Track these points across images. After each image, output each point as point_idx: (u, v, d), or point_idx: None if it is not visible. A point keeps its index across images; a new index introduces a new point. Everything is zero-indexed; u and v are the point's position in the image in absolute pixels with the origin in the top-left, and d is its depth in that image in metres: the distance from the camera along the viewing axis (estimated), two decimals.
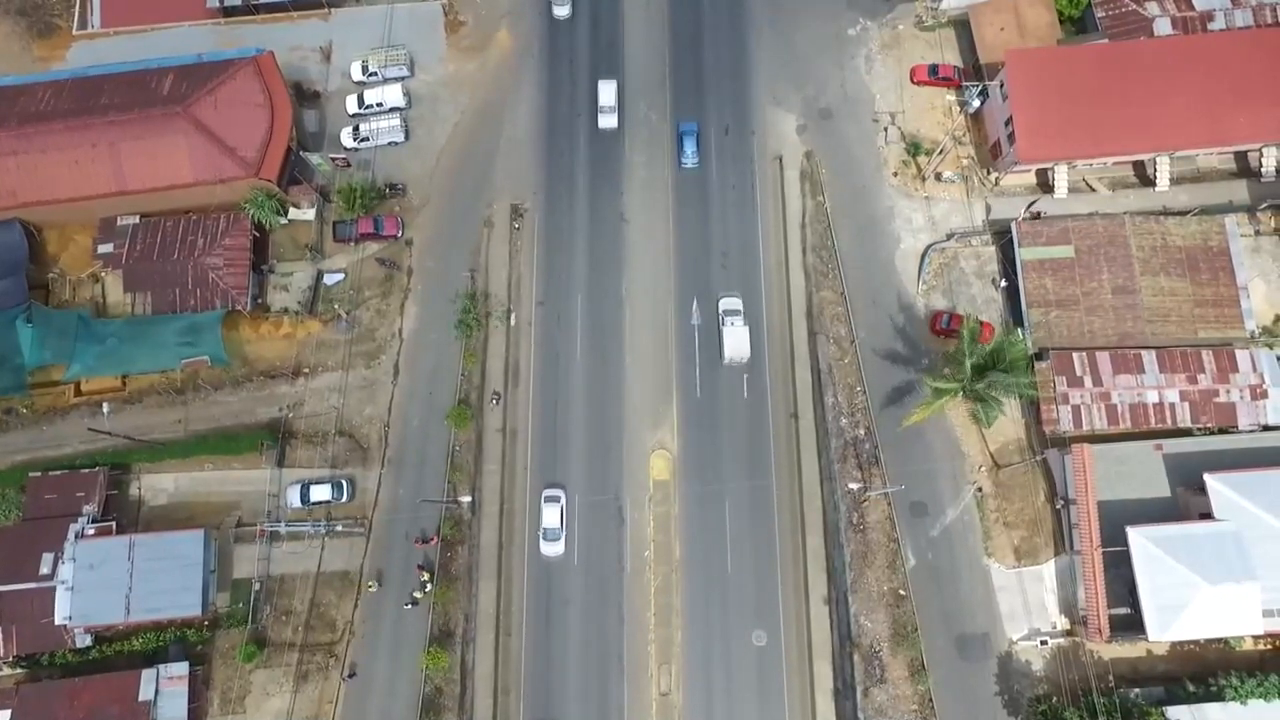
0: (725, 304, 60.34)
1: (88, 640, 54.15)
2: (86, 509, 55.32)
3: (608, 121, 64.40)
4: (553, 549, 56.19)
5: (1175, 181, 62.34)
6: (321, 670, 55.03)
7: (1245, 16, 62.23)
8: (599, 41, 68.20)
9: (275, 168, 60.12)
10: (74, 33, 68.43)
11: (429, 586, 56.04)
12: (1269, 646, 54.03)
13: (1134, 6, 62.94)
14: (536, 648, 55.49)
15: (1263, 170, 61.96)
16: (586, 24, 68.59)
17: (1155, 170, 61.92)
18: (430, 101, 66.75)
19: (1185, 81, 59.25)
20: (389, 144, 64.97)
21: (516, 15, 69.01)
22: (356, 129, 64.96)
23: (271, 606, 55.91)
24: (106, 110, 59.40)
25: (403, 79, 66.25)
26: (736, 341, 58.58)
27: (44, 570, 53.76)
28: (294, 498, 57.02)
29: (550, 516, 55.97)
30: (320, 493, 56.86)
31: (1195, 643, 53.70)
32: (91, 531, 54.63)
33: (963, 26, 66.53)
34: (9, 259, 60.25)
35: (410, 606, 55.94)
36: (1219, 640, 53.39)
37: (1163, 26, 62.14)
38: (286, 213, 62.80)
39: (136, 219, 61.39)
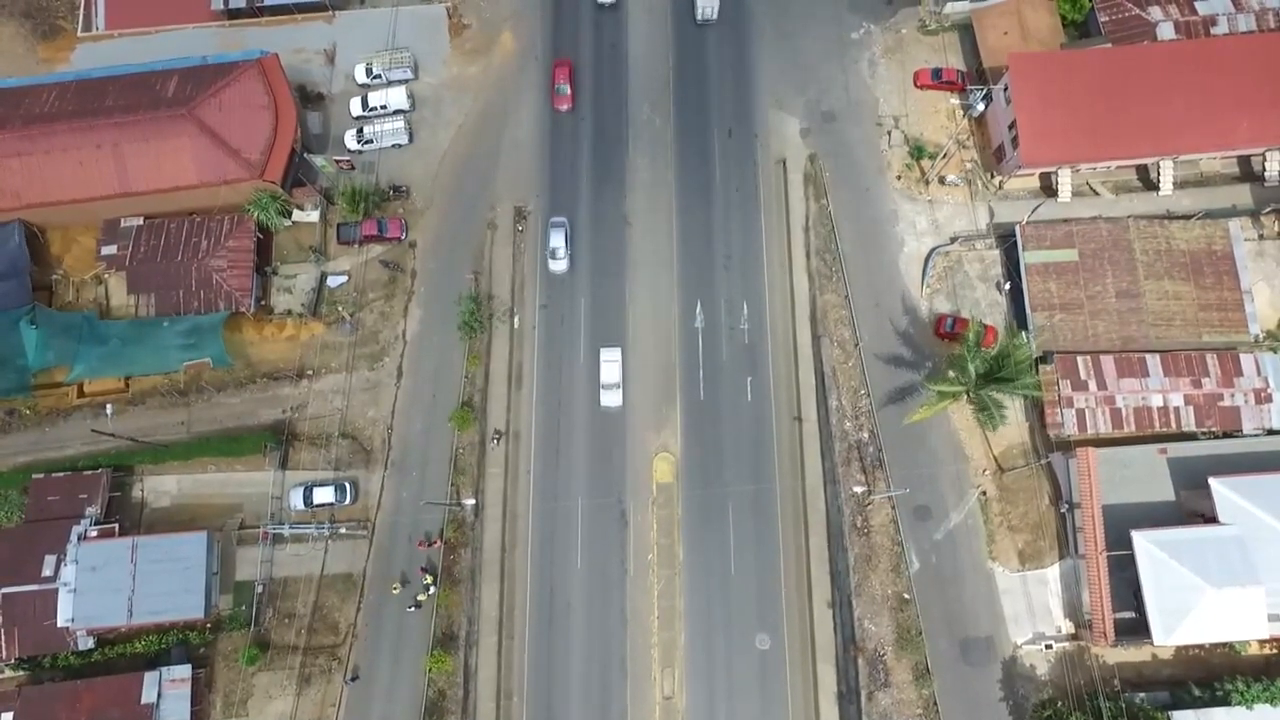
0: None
1: (90, 642, 54.05)
2: (89, 511, 55.26)
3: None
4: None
5: (1179, 185, 62.39)
6: (324, 673, 54.91)
7: (1248, 21, 62.34)
8: (602, 43, 68.29)
9: (279, 170, 60.15)
10: (78, 35, 68.57)
11: (432, 589, 55.94)
12: (1275, 651, 53.92)
13: (1137, 11, 63.06)
14: (539, 651, 55.37)
15: (1266, 174, 61.99)
16: (590, 27, 68.69)
17: (1159, 174, 61.97)
18: (434, 104, 66.83)
19: (1188, 86, 59.29)
20: (393, 146, 65.03)
21: (520, 18, 69.11)
22: (360, 131, 65.04)
23: (274, 609, 55.80)
24: (111, 112, 59.47)
25: (406, 81, 66.34)
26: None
27: (46, 572, 53.68)
28: (297, 500, 56.93)
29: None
30: (323, 495, 56.78)
31: (1201, 647, 53.57)
32: (94, 533, 54.56)
33: (966, 30, 66.65)
34: (12, 260, 60.26)
35: (413, 609, 55.82)
36: (1224, 645, 53.29)
37: (1165, 31, 62.23)
38: (290, 215, 62.83)
39: (140, 220, 61.42)
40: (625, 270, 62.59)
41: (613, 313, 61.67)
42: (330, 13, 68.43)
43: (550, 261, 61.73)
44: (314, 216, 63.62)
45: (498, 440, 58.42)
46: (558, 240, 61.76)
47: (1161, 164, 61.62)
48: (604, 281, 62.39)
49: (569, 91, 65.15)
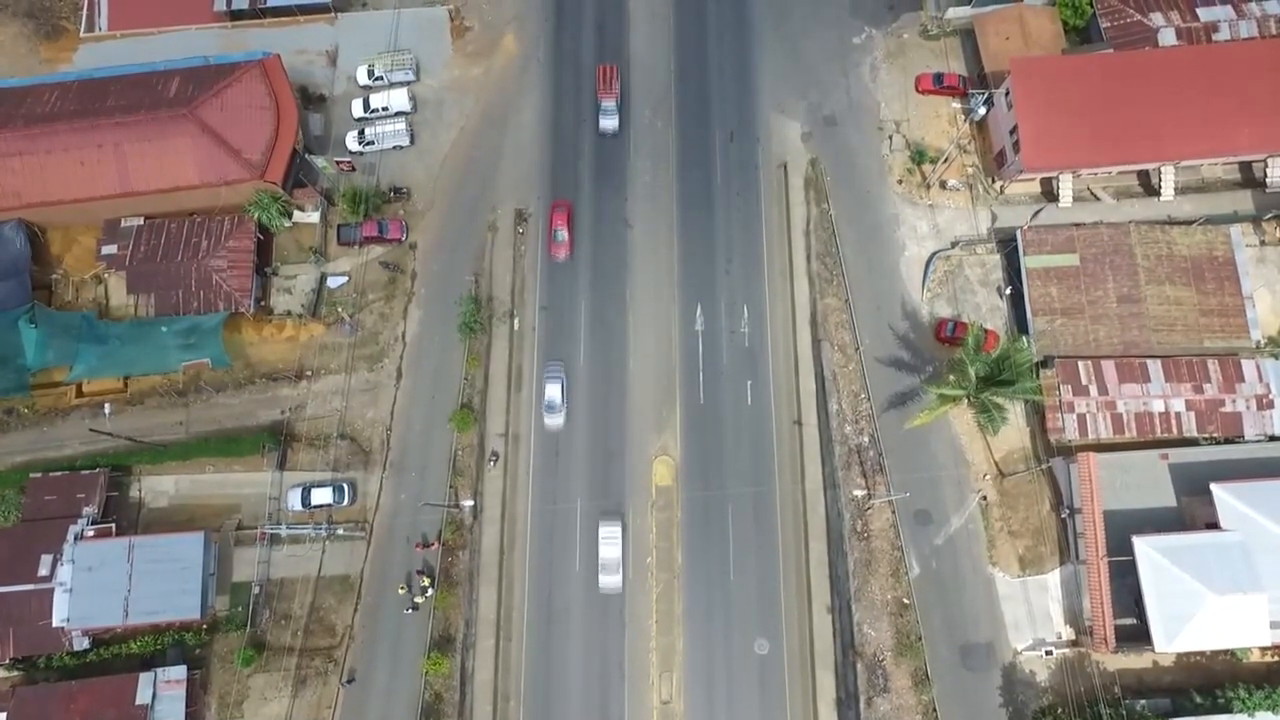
0: None
1: (85, 643, 53.80)
2: (86, 510, 55.05)
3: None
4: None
5: (1180, 191, 62.34)
6: (320, 675, 54.61)
7: (1250, 27, 62.36)
8: (604, 48, 68.34)
9: (280, 171, 60.14)
10: (81, 35, 68.65)
11: (430, 591, 55.70)
12: (1277, 658, 53.60)
13: (1138, 17, 63.11)
14: (537, 654, 55.08)
15: (1268, 181, 61.90)
16: (592, 31, 68.77)
17: (1160, 180, 61.93)
18: (435, 106, 66.88)
19: (1190, 92, 59.28)
20: (394, 148, 65.04)
21: (522, 21, 69.24)
22: (361, 133, 65.06)
23: (271, 610, 55.56)
24: (112, 112, 59.49)
25: (408, 83, 66.39)
26: None
27: (43, 572, 53.45)
28: (295, 501, 56.72)
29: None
30: (321, 496, 56.58)
31: (1202, 654, 53.28)
32: (91, 533, 54.36)
33: (967, 36, 66.71)
34: (12, 260, 60.21)
35: (410, 611, 55.56)
36: (1226, 652, 52.99)
37: (1167, 37, 62.26)
38: (291, 215, 62.80)
39: (140, 220, 61.37)
40: (626, 273, 62.51)
41: (613, 315, 61.57)
42: (332, 14, 68.56)
43: (546, 415, 57.56)
44: (314, 217, 63.60)
45: (494, 462, 57.91)
46: (553, 392, 57.14)
47: (1163, 169, 61.58)
48: (604, 284, 62.29)
49: (567, 238, 61.01)
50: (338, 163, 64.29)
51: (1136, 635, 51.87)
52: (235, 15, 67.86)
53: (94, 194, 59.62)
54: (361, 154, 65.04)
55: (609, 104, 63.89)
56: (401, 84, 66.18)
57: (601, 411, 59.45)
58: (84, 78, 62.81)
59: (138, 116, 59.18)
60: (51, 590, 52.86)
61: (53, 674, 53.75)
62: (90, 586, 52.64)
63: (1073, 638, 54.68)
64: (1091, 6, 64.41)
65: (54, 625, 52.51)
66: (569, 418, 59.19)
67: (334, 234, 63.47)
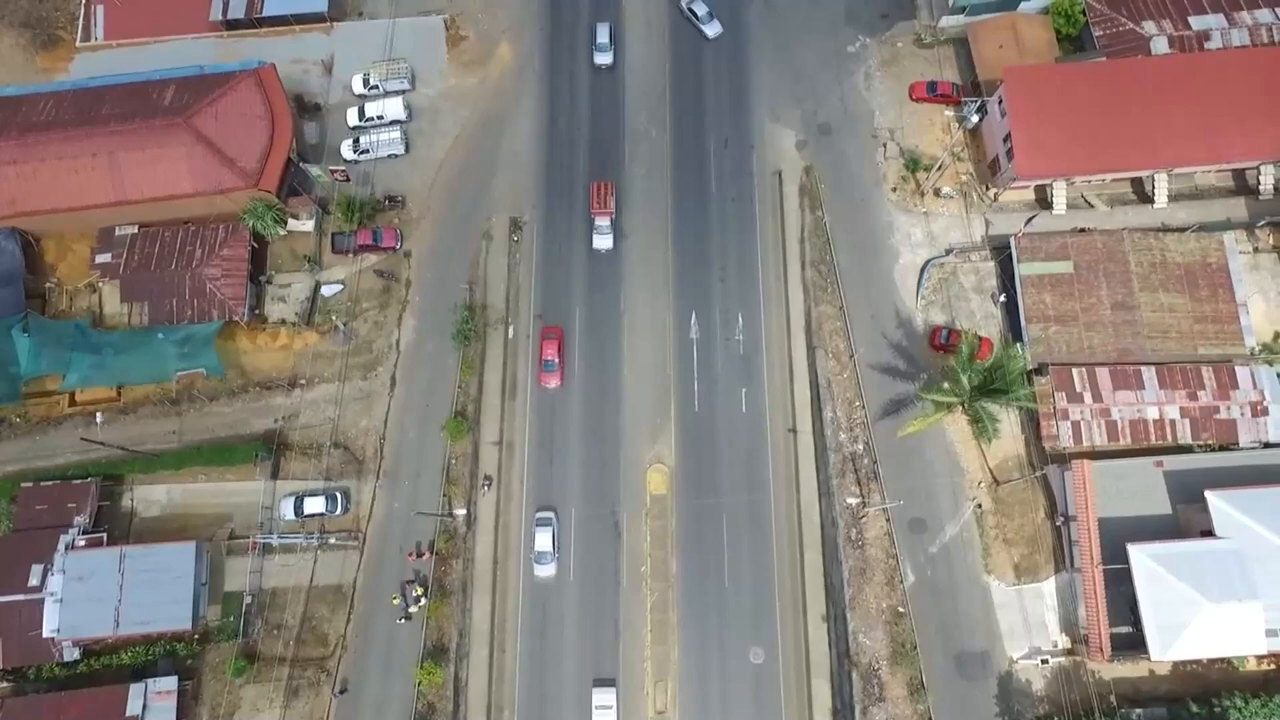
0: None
1: (75, 653, 53.47)
2: (77, 520, 54.86)
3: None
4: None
5: (1174, 198, 62.46)
6: (312, 686, 54.25)
7: (1242, 36, 62.63)
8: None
9: (275, 179, 60.19)
10: (77, 44, 68.92)
11: (423, 601, 55.42)
12: (1273, 667, 53.36)
13: (1131, 25, 63.37)
14: (531, 664, 54.75)
15: (1261, 188, 62.07)
16: (587, 39, 69.00)
17: (1153, 187, 62.05)
18: (431, 115, 67.00)
19: (1182, 99, 59.47)
20: (389, 156, 65.17)
21: (518, 30, 69.48)
22: (357, 141, 65.17)
23: (263, 620, 55.25)
24: (108, 120, 59.60)
25: (403, 92, 66.58)
26: None
27: (33, 582, 53.20)
28: (288, 510, 56.52)
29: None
30: (314, 505, 56.37)
31: (1198, 662, 53.05)
32: (82, 543, 54.16)
33: (961, 44, 66.99)
34: (6, 268, 60.18)
35: (403, 621, 55.26)
36: (1222, 660, 52.75)
37: (1159, 45, 62.50)
38: (285, 224, 62.80)
39: (135, 229, 61.40)
40: (621, 281, 62.49)
41: (608, 323, 61.51)
42: (329, 24, 68.78)
43: (536, 566, 54.80)
44: (309, 226, 63.61)
45: (488, 486, 57.58)
46: (544, 542, 54.28)
47: (1156, 177, 61.72)
48: (599, 292, 62.26)
49: (558, 367, 58.69)
50: (333, 171, 64.35)
51: (1132, 644, 51.63)
52: (231, 25, 68.06)
53: (88, 202, 59.66)
54: (356, 162, 65.14)
55: (603, 222, 61.70)
56: (397, 93, 66.37)
57: (596, 420, 59.32)
58: (79, 87, 62.97)
59: (133, 125, 59.27)
60: (42, 600, 52.62)
61: (42, 685, 53.43)
62: (81, 596, 52.40)
63: (1068, 646, 54.43)
64: (1084, 15, 64.71)
65: (44, 636, 52.26)
66: (564, 429, 59.11)
67: (329, 242, 63.49)
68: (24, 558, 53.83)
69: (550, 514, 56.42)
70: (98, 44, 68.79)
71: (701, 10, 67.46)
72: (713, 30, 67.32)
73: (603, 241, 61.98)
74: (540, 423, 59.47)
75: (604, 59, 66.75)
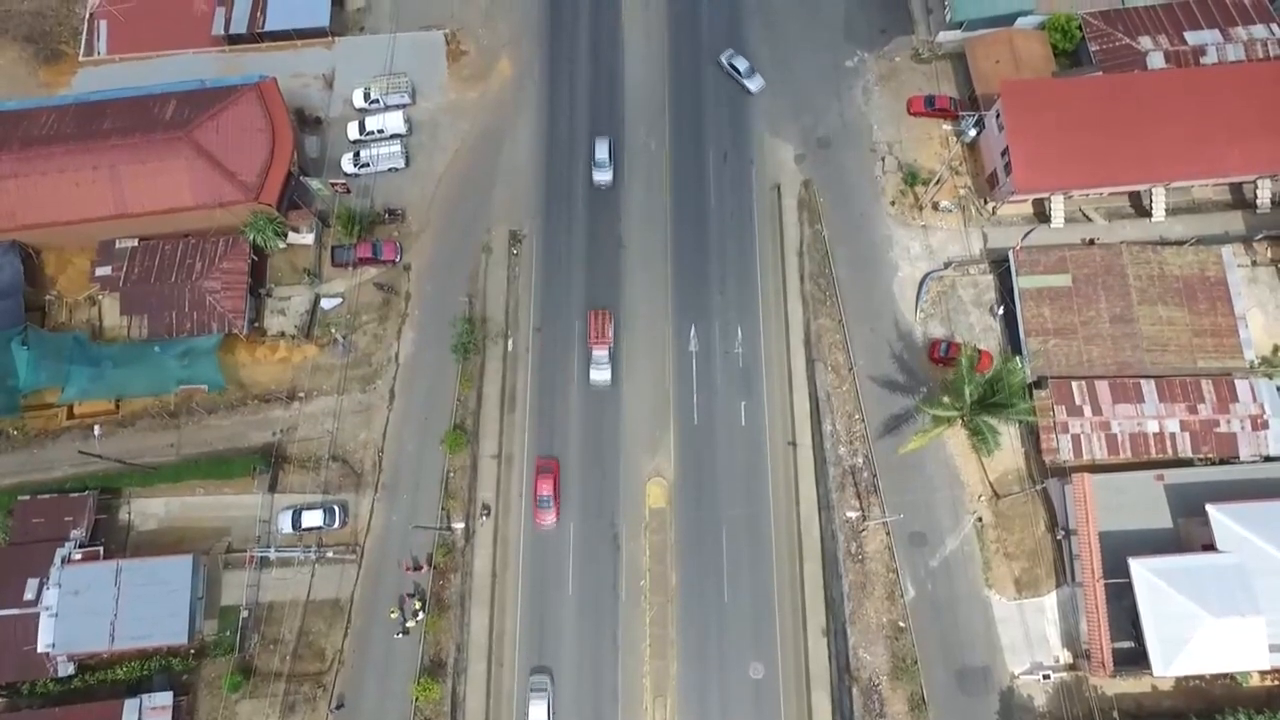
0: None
1: (70, 669, 53.11)
2: (74, 533, 54.65)
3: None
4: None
5: (1171, 212, 62.63)
6: (309, 701, 53.83)
7: (1237, 51, 62.98)
8: (599, 71, 68.97)
9: (275, 192, 60.36)
10: (80, 59, 69.30)
11: (420, 615, 55.09)
12: (1277, 683, 52.96)
13: (1127, 41, 63.77)
14: (529, 679, 54.27)
15: (1258, 202, 62.27)
16: (587, 53, 69.43)
17: (1151, 201, 62.23)
18: (431, 128, 67.31)
19: (1179, 114, 59.76)
20: (389, 170, 65.39)
21: (518, 45, 69.91)
22: (357, 155, 65.43)
23: (259, 634, 54.92)
24: (109, 134, 59.83)
25: (404, 106, 66.90)
26: None
27: (28, 596, 52.93)
28: (285, 523, 56.30)
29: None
30: (312, 518, 56.15)
31: (1201, 678, 52.68)
32: (78, 556, 53.87)
33: (958, 59, 67.39)
34: (6, 281, 60.22)
35: (401, 636, 54.91)
36: (1226, 676, 52.37)
37: (1155, 60, 62.86)
38: (285, 237, 62.92)
39: (135, 242, 61.49)
40: (620, 293, 62.56)
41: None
42: (330, 38, 69.21)
43: None
44: (309, 239, 63.74)
45: (486, 515, 57.23)
46: (538, 714, 52.03)
47: (1154, 191, 61.92)
48: (598, 304, 62.25)
49: (553, 505, 55.91)
50: (333, 184, 64.56)
51: (1134, 659, 51.28)
52: (233, 39, 68.49)
53: (89, 215, 59.79)
54: (357, 176, 65.35)
55: (600, 353, 58.81)
56: (397, 107, 66.69)
57: (595, 432, 59.16)
58: (81, 101, 63.24)
59: (134, 139, 59.50)
60: (37, 615, 52.30)
61: (36, 701, 53.04)
62: (76, 610, 52.09)
63: (1070, 661, 54.08)
64: (1080, 31, 65.13)
65: (39, 651, 51.90)
66: (563, 442, 58.99)
67: (328, 255, 63.60)
68: (19, 571, 53.57)
69: (545, 679, 52.96)
70: (100, 58, 69.19)
71: (743, 66, 66.16)
72: (755, 85, 65.85)
73: (600, 375, 58.43)
74: (539, 436, 59.29)
75: (603, 177, 63.43)
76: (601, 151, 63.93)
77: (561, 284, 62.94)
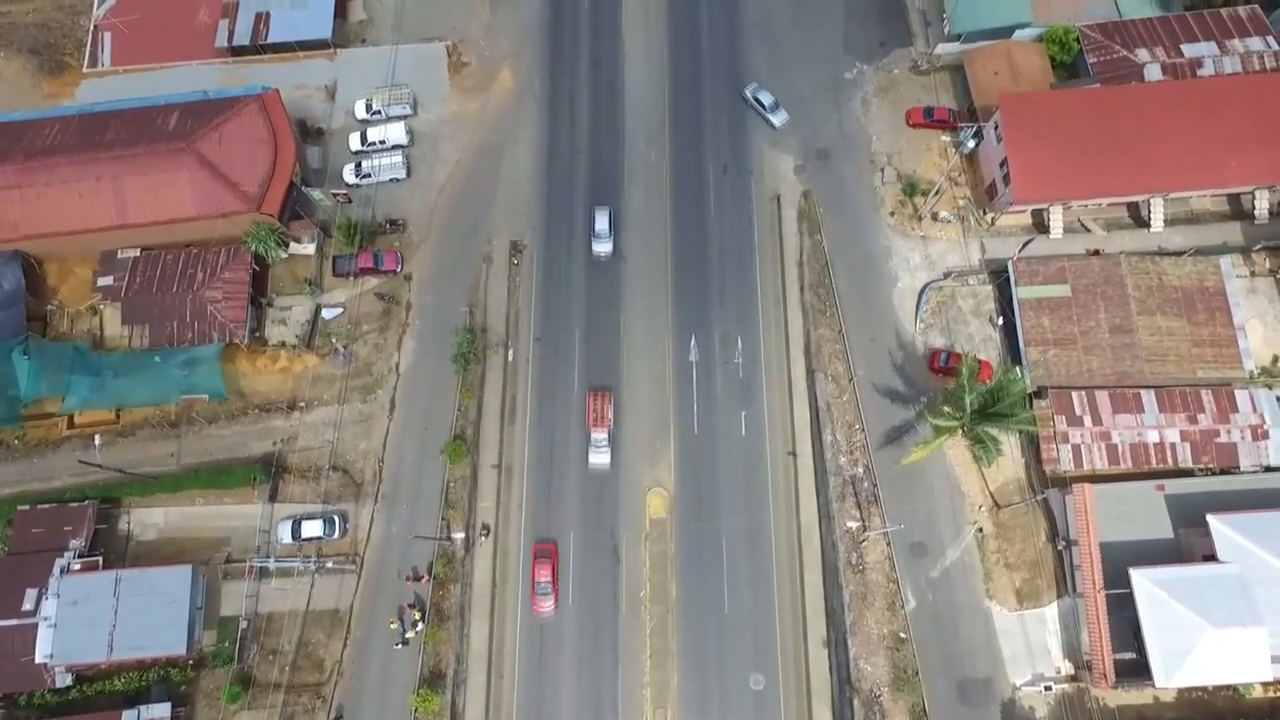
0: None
1: (68, 680, 52.87)
2: (73, 543, 54.52)
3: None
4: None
5: (1170, 223, 62.84)
6: (307, 712, 53.57)
7: (1234, 63, 63.37)
8: (599, 82, 69.41)
9: (277, 203, 60.59)
10: (84, 70, 69.75)
11: (420, 626, 54.93)
12: (1279, 695, 52.75)
13: (1124, 53, 64.18)
14: (529, 690, 54.14)
15: (1256, 212, 62.49)
16: (587, 64, 69.90)
17: (1149, 211, 62.47)
18: (432, 139, 67.65)
19: (1177, 125, 60.06)
20: (390, 180, 65.67)
21: (519, 57, 70.37)
22: (358, 165, 65.74)
23: (258, 645, 54.71)
24: (112, 145, 60.11)
25: (405, 117, 67.27)
26: None
27: (27, 606, 52.74)
28: (285, 533, 56.20)
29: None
30: (312, 528, 56.06)
31: (1204, 689, 52.46)
32: (77, 566, 53.73)
33: (957, 71, 67.80)
34: (8, 291, 60.38)
35: (400, 646, 54.73)
36: (1228, 687, 52.15)
37: (1153, 73, 63.24)
38: (287, 247, 63.13)
39: (137, 252, 61.70)
40: (620, 303, 62.69)
41: (607, 346, 61.60)
42: (332, 50, 69.67)
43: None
44: (310, 249, 63.95)
45: (486, 535, 56.90)
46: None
47: (1152, 201, 62.16)
48: (598, 315, 62.43)
49: (551, 590, 54.12)
50: (334, 195, 64.83)
51: (1136, 670, 51.08)
52: (236, 51, 68.96)
53: (92, 226, 59.99)
54: (358, 186, 65.64)
55: (600, 436, 57.22)
56: (399, 118, 67.05)
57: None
58: (85, 112, 63.58)
59: (137, 150, 59.78)
60: (35, 625, 52.09)
61: (33, 712, 52.73)
62: (75, 621, 51.89)
63: (1072, 673, 53.87)
64: (1078, 43, 65.56)
65: (36, 661, 51.66)
66: (563, 452, 58.96)
67: (329, 265, 63.77)
68: (18, 581, 53.42)
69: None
70: (104, 70, 69.65)
71: (768, 100, 66.10)
72: (779, 119, 65.78)
73: (600, 459, 57.08)
74: (539, 446, 59.29)
75: (603, 248, 62.29)
76: (601, 222, 62.43)
77: (561, 294, 63.06)
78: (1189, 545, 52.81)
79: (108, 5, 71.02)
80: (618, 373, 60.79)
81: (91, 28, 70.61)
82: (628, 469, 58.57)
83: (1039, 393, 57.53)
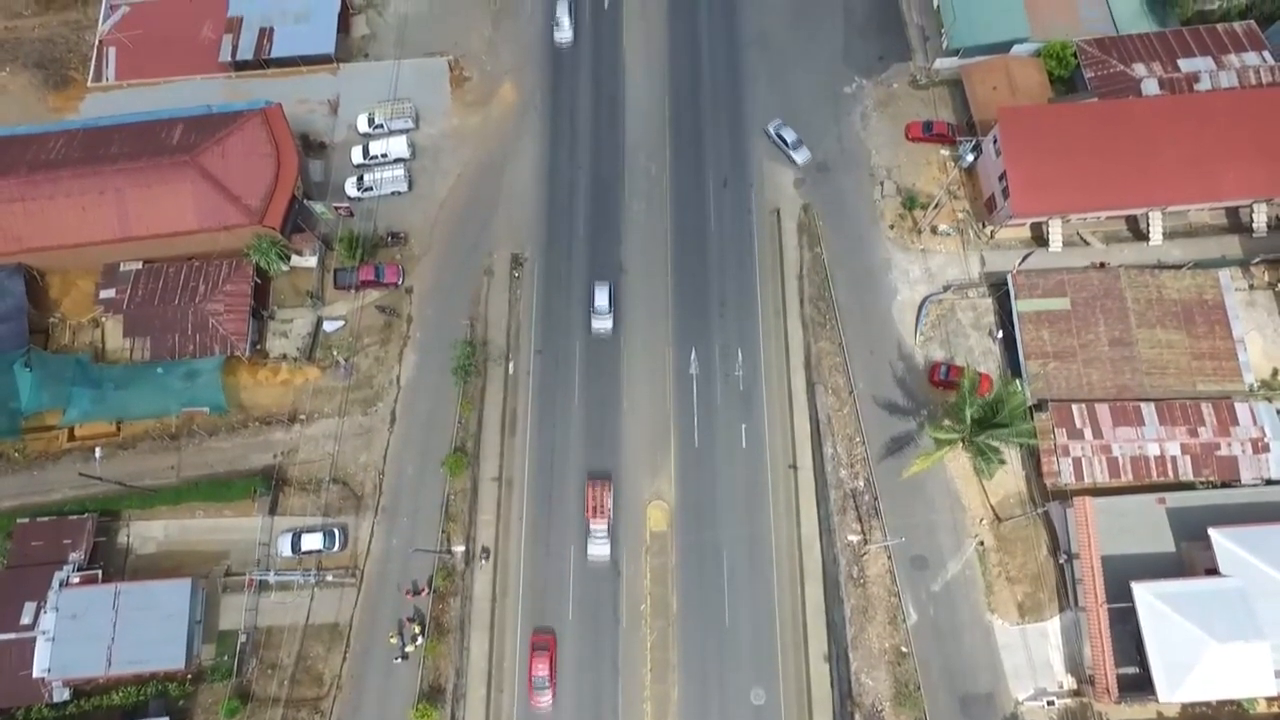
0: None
1: (66, 694, 52.68)
2: (72, 557, 54.43)
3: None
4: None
5: (1169, 236, 63.03)
6: None
7: (1230, 78, 63.79)
8: (600, 97, 69.85)
9: (279, 216, 60.87)
10: (89, 85, 70.23)
11: (419, 639, 54.72)
12: None
13: (1122, 68, 64.61)
14: (528, 704, 53.81)
15: (1254, 225, 62.71)
16: (588, 80, 70.39)
17: (1148, 225, 62.71)
18: (434, 153, 68.03)
19: (1174, 139, 60.35)
20: (392, 194, 65.99)
21: (520, 71, 70.86)
22: (360, 179, 66.08)
23: (257, 659, 54.50)
24: (116, 159, 60.46)
25: (407, 131, 67.67)
26: None
27: (25, 620, 52.61)
28: (285, 546, 56.10)
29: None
30: (312, 541, 55.96)
31: (1208, 704, 52.20)
32: (76, 580, 53.60)
33: (955, 85, 68.24)
34: (11, 303, 60.57)
35: (400, 660, 54.50)
36: (1232, 702, 51.88)
37: (1150, 87, 63.64)
38: (289, 260, 63.37)
39: (139, 265, 61.93)
40: (620, 316, 62.83)
41: (607, 359, 61.69)
42: (335, 65, 70.17)
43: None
44: (312, 262, 64.18)
45: (485, 559, 56.64)
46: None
47: (1151, 215, 62.41)
48: (597, 332, 62.36)
49: (549, 685, 52.57)
50: (336, 208, 65.13)
51: (1139, 684, 50.83)
52: (240, 66, 69.45)
53: (94, 239, 60.26)
54: (360, 200, 65.96)
55: (599, 527, 55.77)
56: (401, 132, 67.46)
57: (596, 455, 59.10)
58: (89, 126, 63.98)
59: (140, 163, 60.11)
60: (33, 639, 51.94)
61: None
62: (73, 635, 51.74)
63: (1074, 687, 53.59)
64: (1075, 58, 66.02)
65: (34, 676, 51.48)
66: (563, 463, 58.92)
67: (331, 278, 63.99)
68: (16, 595, 53.31)
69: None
70: (109, 84, 70.12)
71: (790, 137, 65.70)
72: (801, 157, 65.42)
73: (599, 550, 55.46)
74: (540, 458, 59.27)
75: (602, 325, 60.81)
76: (601, 298, 60.88)
77: (562, 307, 63.20)
78: (1190, 559, 52.68)
79: (112, 20, 71.60)
80: (618, 385, 60.81)
81: (96, 43, 71.16)
82: (628, 483, 58.49)
83: (1039, 406, 57.56)
